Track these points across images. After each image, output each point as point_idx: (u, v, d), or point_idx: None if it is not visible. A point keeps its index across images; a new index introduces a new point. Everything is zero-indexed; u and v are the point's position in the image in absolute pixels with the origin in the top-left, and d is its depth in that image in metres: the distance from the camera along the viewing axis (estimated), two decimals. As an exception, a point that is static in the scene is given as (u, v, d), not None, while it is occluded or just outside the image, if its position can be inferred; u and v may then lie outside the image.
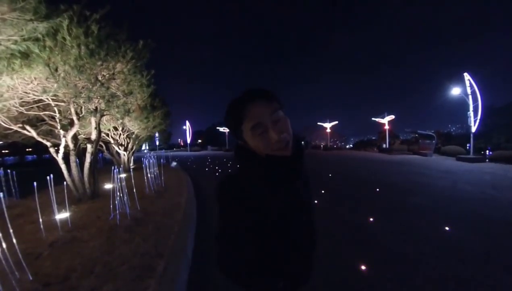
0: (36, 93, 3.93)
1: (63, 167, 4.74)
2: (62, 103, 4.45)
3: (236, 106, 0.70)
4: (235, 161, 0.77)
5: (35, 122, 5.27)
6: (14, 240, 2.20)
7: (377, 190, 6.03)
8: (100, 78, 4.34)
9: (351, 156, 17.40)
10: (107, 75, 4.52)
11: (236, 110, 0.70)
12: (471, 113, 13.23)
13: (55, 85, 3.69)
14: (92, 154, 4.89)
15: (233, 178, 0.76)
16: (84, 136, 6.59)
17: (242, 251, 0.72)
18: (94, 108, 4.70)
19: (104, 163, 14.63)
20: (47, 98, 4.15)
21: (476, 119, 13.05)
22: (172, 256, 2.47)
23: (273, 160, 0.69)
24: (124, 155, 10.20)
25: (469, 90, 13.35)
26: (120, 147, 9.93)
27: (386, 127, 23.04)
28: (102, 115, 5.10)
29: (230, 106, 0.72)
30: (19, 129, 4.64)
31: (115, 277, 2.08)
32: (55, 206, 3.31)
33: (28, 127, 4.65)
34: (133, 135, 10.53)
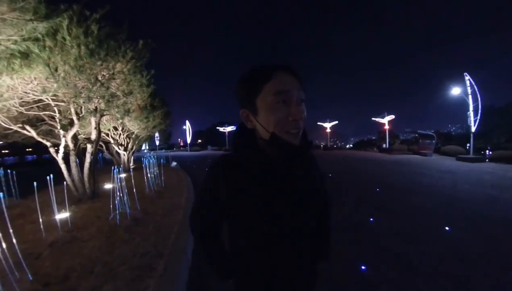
0: (36, 93, 3.93)
1: (63, 167, 4.74)
2: (62, 103, 4.45)
3: (264, 67, 0.62)
4: (233, 142, 0.74)
5: (35, 122, 5.27)
6: (14, 240, 2.20)
7: (377, 189, 6.02)
8: (100, 78, 4.34)
9: (351, 155, 17.40)
10: (107, 75, 4.52)
11: (263, 70, 0.62)
12: (471, 113, 13.21)
13: (55, 85, 3.69)
14: (92, 153, 4.89)
15: (228, 156, 0.73)
16: (84, 136, 6.60)
17: (202, 220, 0.80)
18: (94, 108, 4.70)
19: (104, 162, 14.61)
20: (47, 98, 4.15)
21: (476, 119, 13.04)
22: (172, 256, 2.47)
23: (279, 141, 0.62)
24: (124, 154, 10.19)
25: (469, 90, 13.34)
26: (120, 147, 9.93)
27: (386, 127, 23.03)
28: (102, 115, 5.10)
29: (257, 66, 0.64)
30: (19, 129, 4.64)
31: (115, 277, 2.08)
32: (55, 206, 3.31)
33: (28, 127, 4.65)
34: (133, 135, 10.53)
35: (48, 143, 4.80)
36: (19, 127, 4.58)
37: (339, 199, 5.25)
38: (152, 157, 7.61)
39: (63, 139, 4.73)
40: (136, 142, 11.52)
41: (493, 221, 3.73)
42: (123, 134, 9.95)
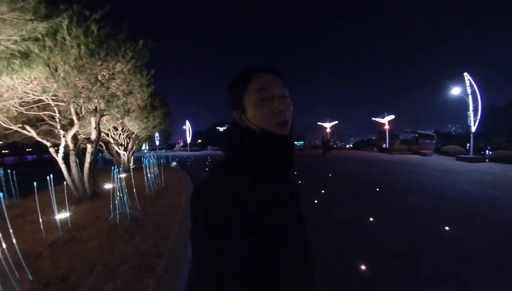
0: (36, 93, 3.93)
1: (63, 167, 4.74)
2: (62, 103, 4.45)
3: (245, 72, 0.67)
4: (225, 144, 0.66)
5: (35, 122, 5.28)
6: (14, 240, 2.20)
7: (377, 189, 6.03)
8: (100, 78, 4.34)
9: (351, 155, 17.40)
10: (107, 75, 4.52)
11: (244, 73, 0.67)
12: (471, 113, 13.21)
13: (55, 85, 3.69)
14: (92, 153, 4.89)
15: (221, 176, 0.58)
16: (84, 136, 6.60)
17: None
18: (94, 108, 4.70)
19: (104, 163, 14.60)
20: (47, 98, 4.15)
21: (476, 119, 13.04)
22: (172, 256, 2.47)
23: (270, 135, 0.62)
24: (124, 154, 10.20)
25: (469, 90, 13.34)
26: (120, 147, 9.93)
27: (386, 127, 23.03)
28: (102, 115, 5.10)
29: (239, 72, 0.68)
30: (19, 129, 4.64)
31: (115, 277, 2.08)
32: (55, 206, 3.31)
33: (28, 127, 4.65)
34: (133, 135, 10.53)
35: (48, 143, 4.80)
36: (19, 127, 4.58)
37: (339, 199, 5.25)
38: (152, 156, 7.61)
39: (63, 139, 4.73)
40: (136, 142, 11.52)
41: (493, 221, 3.73)
42: (123, 134, 9.95)
